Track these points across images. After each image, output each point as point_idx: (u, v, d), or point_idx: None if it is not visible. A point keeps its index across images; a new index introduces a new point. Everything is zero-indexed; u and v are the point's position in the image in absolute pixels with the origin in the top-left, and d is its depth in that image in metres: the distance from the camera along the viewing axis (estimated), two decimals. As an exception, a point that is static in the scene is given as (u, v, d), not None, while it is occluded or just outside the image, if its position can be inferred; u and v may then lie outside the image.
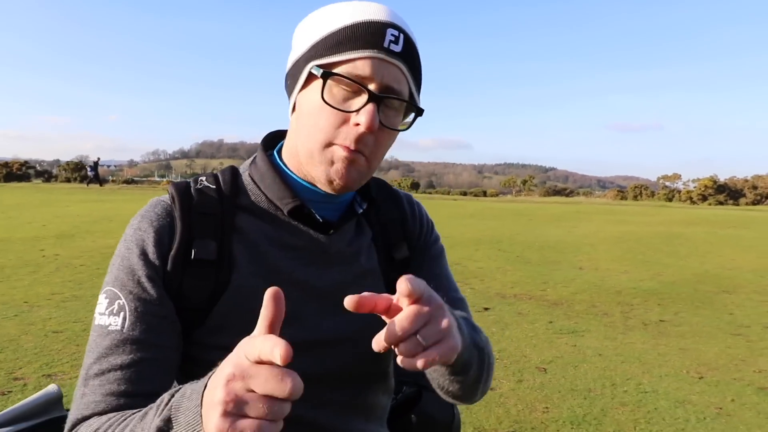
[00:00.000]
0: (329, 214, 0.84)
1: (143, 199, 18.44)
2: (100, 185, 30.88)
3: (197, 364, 0.75)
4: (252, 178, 0.84)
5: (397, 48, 0.74)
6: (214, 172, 0.86)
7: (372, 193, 0.89)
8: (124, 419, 0.66)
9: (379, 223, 0.90)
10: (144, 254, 0.74)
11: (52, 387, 0.98)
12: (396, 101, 0.75)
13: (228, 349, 0.61)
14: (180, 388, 0.59)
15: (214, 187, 0.81)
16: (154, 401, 0.63)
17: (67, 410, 0.82)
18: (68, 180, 35.14)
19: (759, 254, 10.19)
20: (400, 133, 0.80)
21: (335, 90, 0.74)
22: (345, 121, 0.74)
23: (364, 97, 0.73)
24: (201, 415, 0.53)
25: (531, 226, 13.83)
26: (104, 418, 0.69)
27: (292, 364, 0.53)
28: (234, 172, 0.85)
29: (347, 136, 0.74)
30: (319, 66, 0.74)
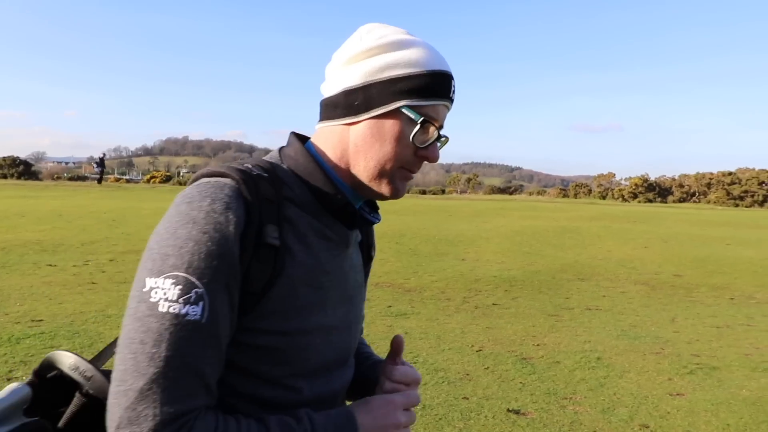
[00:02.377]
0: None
1: (74, 195, 18.09)
2: (98, 182, 29.80)
3: (240, 349, 0.76)
4: (293, 171, 0.85)
5: (454, 96, 0.87)
6: (250, 162, 0.83)
7: (376, 204, 0.99)
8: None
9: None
10: (225, 240, 0.71)
11: (18, 386, 0.80)
12: None
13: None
14: (327, 414, 0.79)
15: (266, 175, 0.81)
16: (216, 393, 0.73)
17: (30, 419, 0.79)
18: (4, 176, 33.70)
19: (635, 246, 10.88)
20: None
21: (416, 129, 0.83)
22: (415, 152, 0.85)
23: (435, 135, 0.84)
24: None
25: (446, 221, 14.28)
26: (218, 418, 0.71)
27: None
28: (271, 163, 0.85)
29: (416, 164, 0.86)
30: (412, 108, 0.82)
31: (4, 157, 35.75)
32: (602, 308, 5.98)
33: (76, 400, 0.79)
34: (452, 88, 0.85)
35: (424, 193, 43.20)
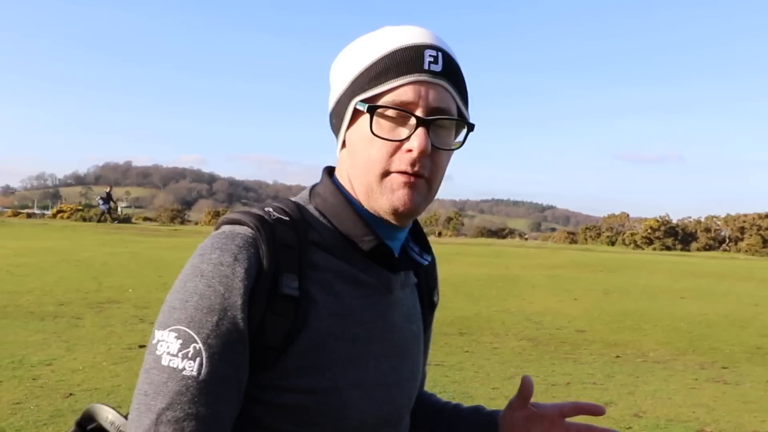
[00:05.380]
0: (393, 249, 0.95)
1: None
2: (110, 219, 30.93)
3: (264, 407, 0.86)
4: (320, 211, 0.93)
5: (438, 68, 0.87)
6: (273, 203, 0.94)
7: (427, 240, 1.05)
8: None
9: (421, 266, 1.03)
10: (229, 293, 0.80)
11: None
12: (446, 121, 0.89)
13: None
14: None
15: (287, 219, 0.89)
16: None
17: None
18: None
19: (564, 298, 11.50)
20: None
21: (383, 122, 0.87)
22: (398, 149, 0.87)
23: (413, 122, 0.86)
24: None
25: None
26: None
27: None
28: (297, 204, 0.93)
29: (402, 161, 0.87)
30: (363, 101, 0.88)
31: None
32: (445, 364, 6.55)
33: None
34: (425, 59, 0.87)
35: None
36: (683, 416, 5.03)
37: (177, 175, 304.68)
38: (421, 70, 0.86)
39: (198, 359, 0.79)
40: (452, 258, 18.50)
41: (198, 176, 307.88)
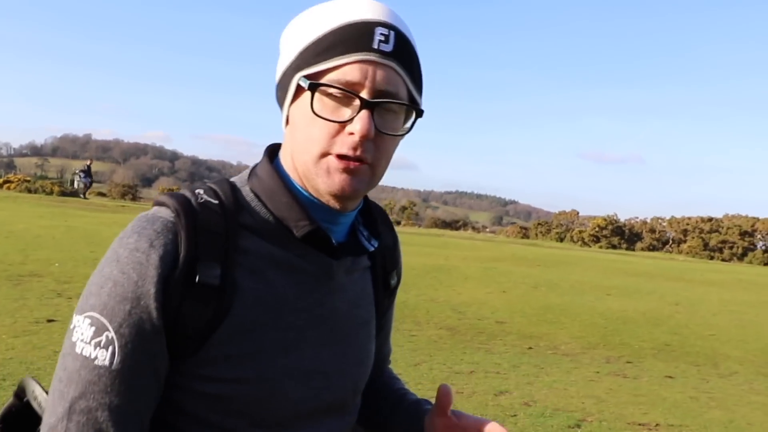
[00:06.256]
0: (336, 235, 0.92)
1: None
2: (84, 196, 29.83)
3: (187, 395, 0.84)
4: (255, 194, 0.89)
5: (388, 47, 0.82)
6: (208, 183, 0.90)
7: (377, 224, 0.99)
8: None
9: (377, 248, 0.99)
10: (142, 281, 0.78)
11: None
12: (394, 105, 0.84)
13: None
14: None
15: (216, 202, 0.85)
16: None
17: None
18: None
19: (494, 290, 11.73)
20: None
21: (326, 100, 0.83)
22: (340, 131, 0.83)
23: (357, 104, 0.81)
24: None
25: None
26: None
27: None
28: (232, 186, 0.89)
29: (343, 144, 0.82)
30: (307, 76, 0.83)
31: None
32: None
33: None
34: (375, 37, 0.82)
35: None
36: (571, 406, 5.20)
37: (138, 150, 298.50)
38: (369, 49, 0.81)
39: (110, 348, 0.78)
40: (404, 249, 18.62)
41: (160, 153, 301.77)
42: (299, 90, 0.86)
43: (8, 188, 33.09)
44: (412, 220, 46.39)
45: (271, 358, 0.85)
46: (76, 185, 32.49)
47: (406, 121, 0.90)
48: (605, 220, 41.55)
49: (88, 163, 31.60)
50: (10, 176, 39.00)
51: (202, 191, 0.87)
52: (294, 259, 0.88)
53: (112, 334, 0.77)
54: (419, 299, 10.03)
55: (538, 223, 48.79)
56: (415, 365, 6.17)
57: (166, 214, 0.83)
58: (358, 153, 0.83)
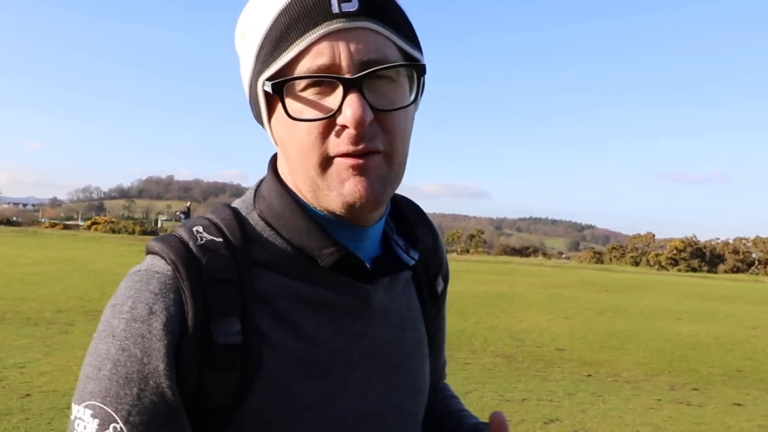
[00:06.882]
0: (366, 252, 0.79)
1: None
2: None
3: None
4: (266, 221, 0.75)
5: (352, 5, 0.67)
6: (207, 216, 0.77)
7: (413, 227, 0.85)
8: None
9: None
10: (148, 357, 0.65)
11: None
12: (387, 71, 0.69)
13: None
14: None
15: (220, 240, 0.72)
16: None
17: None
18: None
19: (556, 317, 11.43)
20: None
21: (303, 97, 0.69)
22: (331, 128, 0.68)
23: (339, 88, 0.67)
24: None
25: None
26: None
27: None
28: (237, 214, 0.76)
29: (341, 141, 0.68)
30: (270, 78, 0.69)
31: None
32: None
33: None
34: (332, 0, 0.67)
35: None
36: (623, 435, 5.01)
37: (217, 189, 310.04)
38: (330, 17, 0.67)
39: None
40: (459, 275, 18.50)
41: (238, 191, 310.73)
42: (270, 98, 0.73)
43: (95, 229, 35.15)
44: (481, 248, 45.92)
45: (314, 415, 0.72)
46: (159, 225, 33.76)
47: (411, 85, 0.75)
48: (683, 242, 39.70)
49: (188, 204, 32.33)
50: (98, 218, 41.29)
51: (201, 228, 0.73)
52: (323, 293, 0.75)
53: (120, 425, 0.65)
54: (477, 327, 9.93)
55: (613, 248, 47.25)
56: (466, 393, 6.11)
57: (161, 267, 0.70)
58: (361, 146, 0.68)
